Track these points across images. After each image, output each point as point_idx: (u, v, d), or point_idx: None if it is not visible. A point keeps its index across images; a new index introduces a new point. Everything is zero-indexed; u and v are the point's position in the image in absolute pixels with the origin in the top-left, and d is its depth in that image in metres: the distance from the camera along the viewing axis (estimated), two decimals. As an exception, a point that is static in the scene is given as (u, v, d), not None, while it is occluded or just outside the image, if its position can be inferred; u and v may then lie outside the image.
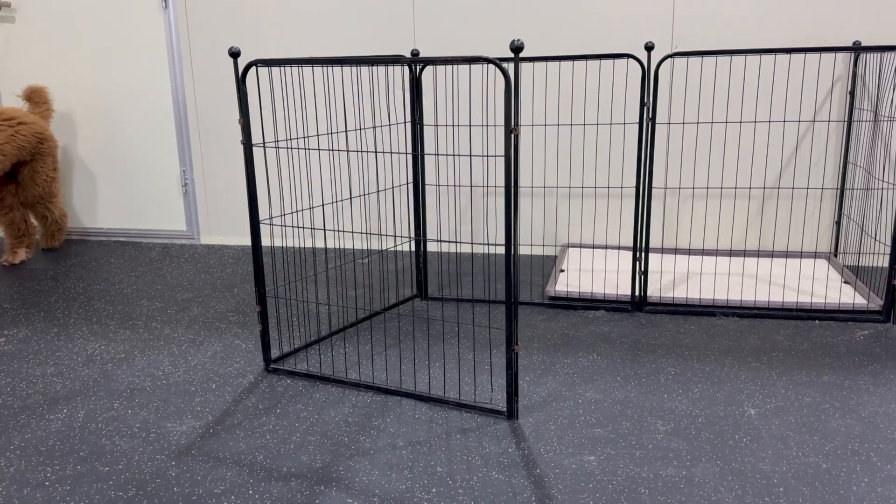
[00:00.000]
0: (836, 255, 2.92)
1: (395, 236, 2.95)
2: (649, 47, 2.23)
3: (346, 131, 2.59)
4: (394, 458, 1.59)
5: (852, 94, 2.78)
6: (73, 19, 3.43)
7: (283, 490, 1.48)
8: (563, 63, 2.96)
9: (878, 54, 2.70)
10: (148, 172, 3.55)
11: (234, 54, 1.83)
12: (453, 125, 3.04)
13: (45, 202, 3.24)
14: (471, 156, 3.13)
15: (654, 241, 3.09)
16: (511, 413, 1.74)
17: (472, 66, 3.05)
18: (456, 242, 2.63)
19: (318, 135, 2.72)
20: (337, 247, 3.41)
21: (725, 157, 2.95)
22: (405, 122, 2.53)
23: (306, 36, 3.19)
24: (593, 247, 3.11)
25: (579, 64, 2.95)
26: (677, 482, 1.48)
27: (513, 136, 1.56)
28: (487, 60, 1.55)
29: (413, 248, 3.27)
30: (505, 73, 1.53)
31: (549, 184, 3.12)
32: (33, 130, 3.10)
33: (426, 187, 3.20)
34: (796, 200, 2.95)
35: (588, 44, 2.96)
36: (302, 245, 3.40)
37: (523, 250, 3.24)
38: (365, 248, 3.41)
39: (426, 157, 3.17)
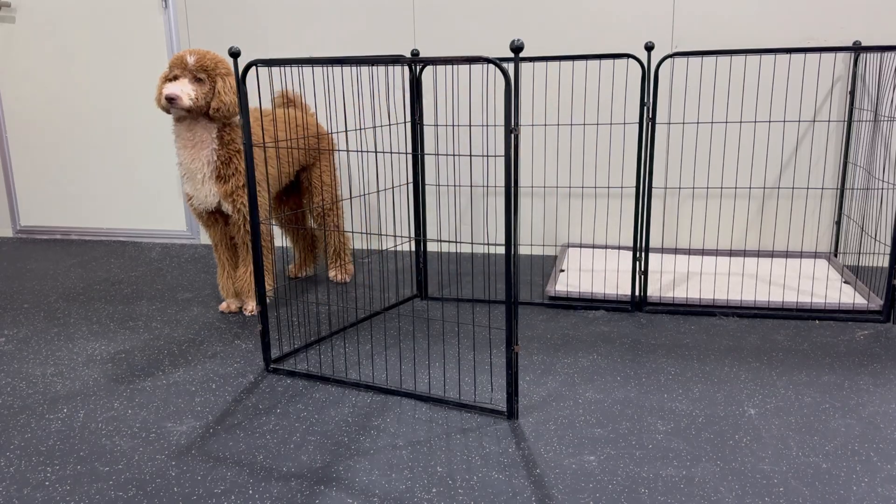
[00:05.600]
0: (836, 255, 2.92)
1: (395, 236, 2.96)
2: (649, 47, 2.23)
3: (346, 131, 2.59)
4: (394, 458, 1.59)
5: (852, 94, 2.78)
6: (73, 19, 3.43)
7: (283, 490, 1.48)
8: (563, 63, 2.96)
9: (878, 54, 2.70)
10: (148, 172, 3.55)
11: (234, 54, 1.83)
12: (453, 125, 3.04)
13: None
14: (471, 156, 3.13)
15: (654, 241, 3.09)
16: (511, 413, 1.74)
17: (472, 66, 3.05)
18: (456, 242, 2.63)
19: (318, 135, 2.72)
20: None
21: (725, 157, 2.95)
22: (405, 122, 2.53)
23: (306, 36, 3.19)
24: (593, 247, 3.11)
25: (579, 64, 2.95)
26: (677, 482, 1.48)
27: (513, 136, 1.56)
28: (487, 60, 1.55)
29: (413, 248, 3.27)
30: (505, 73, 1.52)
31: (549, 184, 3.12)
32: None
33: (426, 187, 3.20)
34: (796, 200, 2.95)
35: (588, 44, 2.96)
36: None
37: (523, 250, 3.23)
38: (365, 248, 3.41)
39: (426, 157, 3.17)
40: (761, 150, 2.92)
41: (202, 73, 2.23)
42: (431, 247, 3.26)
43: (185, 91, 2.19)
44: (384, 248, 3.36)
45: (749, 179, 2.95)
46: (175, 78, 2.24)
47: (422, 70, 2.43)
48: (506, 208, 1.61)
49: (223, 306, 2.54)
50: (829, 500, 1.41)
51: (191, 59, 2.22)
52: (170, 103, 2.19)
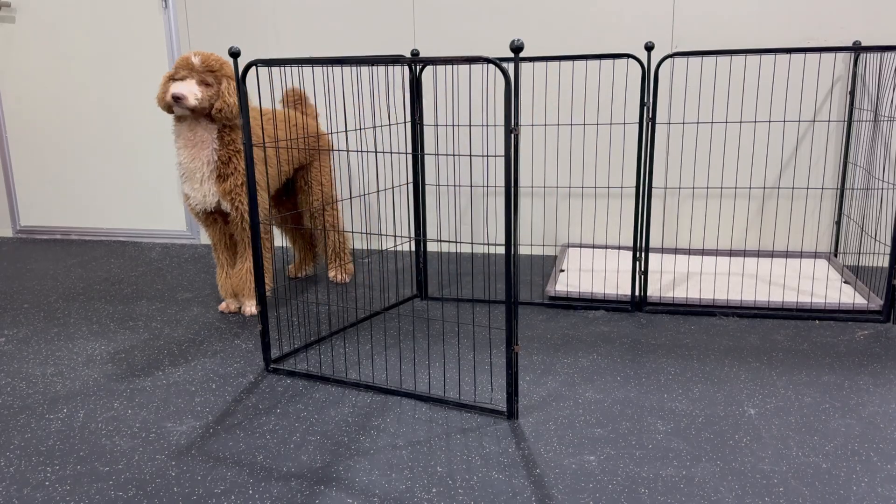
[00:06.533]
0: (836, 255, 2.92)
1: (395, 236, 2.95)
2: (649, 47, 2.23)
3: (346, 131, 2.59)
4: (394, 458, 1.59)
5: (852, 94, 2.78)
6: (73, 19, 3.43)
7: (283, 490, 1.48)
8: (563, 63, 2.96)
9: (878, 54, 2.70)
10: (148, 172, 3.55)
11: (234, 54, 1.83)
12: (453, 125, 3.04)
13: None
14: (471, 156, 3.13)
15: (654, 241, 3.09)
16: (511, 413, 1.74)
17: (472, 66, 3.05)
18: (456, 242, 2.63)
19: (317, 134, 2.72)
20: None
21: (725, 157, 2.95)
22: (405, 122, 2.53)
23: (306, 36, 3.19)
24: (593, 247, 3.11)
25: (579, 64, 2.95)
26: (677, 482, 1.48)
27: (513, 136, 1.56)
28: (487, 60, 1.55)
29: (413, 248, 3.27)
30: (505, 73, 1.52)
31: (549, 184, 3.12)
32: None
33: (426, 187, 3.20)
34: (796, 200, 2.95)
35: (588, 44, 2.96)
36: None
37: (523, 250, 3.24)
38: (365, 248, 3.41)
39: (426, 157, 3.17)
40: (761, 150, 2.92)
41: (209, 75, 2.25)
42: (431, 247, 3.26)
43: (191, 91, 2.22)
44: (384, 248, 3.36)
45: (749, 179, 2.95)
46: (182, 79, 2.26)
47: (422, 70, 2.43)
48: (506, 208, 1.61)
49: (223, 306, 2.54)
50: (829, 500, 1.41)
51: (196, 61, 2.25)
52: (175, 102, 2.21)
